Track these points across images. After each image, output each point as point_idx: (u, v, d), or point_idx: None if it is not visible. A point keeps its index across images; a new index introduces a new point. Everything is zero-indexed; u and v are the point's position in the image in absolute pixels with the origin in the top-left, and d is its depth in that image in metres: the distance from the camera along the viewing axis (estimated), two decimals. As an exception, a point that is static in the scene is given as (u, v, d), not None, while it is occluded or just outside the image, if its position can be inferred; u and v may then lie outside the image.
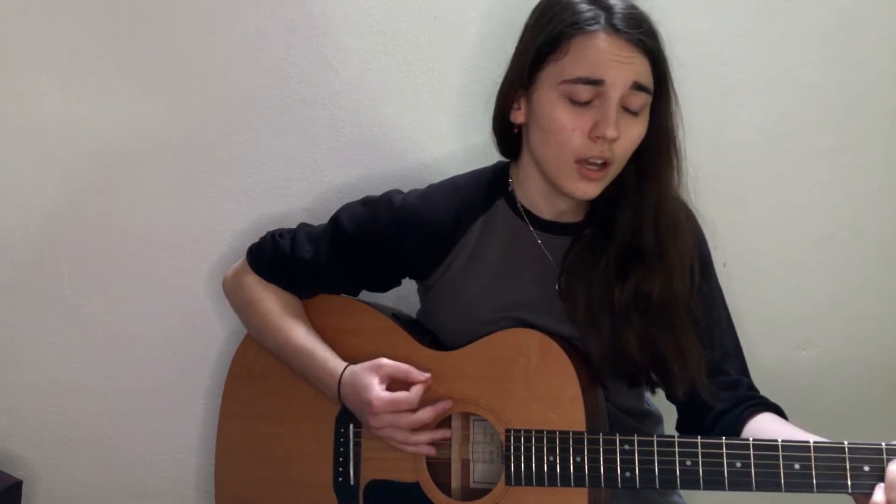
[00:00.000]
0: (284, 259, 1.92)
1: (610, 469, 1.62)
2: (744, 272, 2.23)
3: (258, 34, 2.18)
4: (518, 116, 1.75)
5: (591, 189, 1.68)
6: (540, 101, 1.67)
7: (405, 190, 1.90)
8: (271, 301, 1.93)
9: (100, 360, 2.26)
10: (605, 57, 1.60)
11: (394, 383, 1.77)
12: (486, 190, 1.86)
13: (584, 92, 1.62)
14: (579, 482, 1.64)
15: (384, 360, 1.78)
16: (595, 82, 1.61)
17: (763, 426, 1.71)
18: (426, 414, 1.74)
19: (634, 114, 1.65)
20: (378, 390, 1.74)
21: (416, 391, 1.74)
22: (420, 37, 2.19)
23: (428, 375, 1.76)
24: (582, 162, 1.65)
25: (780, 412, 1.78)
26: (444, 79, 2.20)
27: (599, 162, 1.65)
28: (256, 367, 1.97)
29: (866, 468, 1.51)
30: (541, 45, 1.65)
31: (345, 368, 1.82)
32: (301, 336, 1.89)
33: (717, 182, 2.18)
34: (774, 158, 2.21)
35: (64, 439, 2.28)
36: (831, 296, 2.24)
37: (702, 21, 2.15)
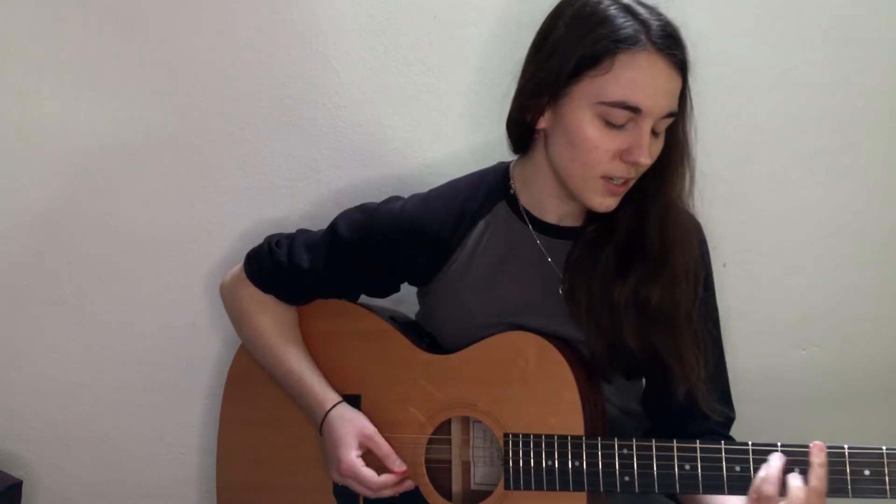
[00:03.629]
0: (281, 269, 1.90)
1: (609, 473, 1.62)
2: (744, 272, 2.22)
3: (258, 34, 2.17)
4: (542, 122, 1.71)
5: (613, 203, 1.68)
6: (571, 116, 1.64)
7: (404, 193, 1.90)
8: (265, 318, 1.93)
9: (100, 360, 2.27)
10: (647, 82, 1.58)
11: (369, 454, 1.79)
12: (487, 192, 1.85)
13: (620, 116, 1.59)
14: (578, 486, 1.65)
15: (372, 432, 1.80)
16: (634, 109, 1.58)
17: None
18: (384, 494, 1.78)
19: (657, 134, 1.65)
20: (352, 455, 1.77)
21: (384, 480, 1.76)
22: (420, 37, 2.18)
23: (404, 469, 1.78)
24: (608, 178, 1.65)
25: None
26: (444, 79, 2.20)
27: (622, 180, 1.65)
28: (255, 372, 1.96)
29: (867, 472, 1.50)
30: (581, 59, 1.61)
31: (336, 404, 1.83)
32: (293, 359, 1.89)
33: (718, 182, 2.16)
34: (774, 158, 2.20)
35: (64, 439, 2.29)
36: (831, 296, 2.24)
37: (702, 21, 2.14)
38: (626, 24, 1.59)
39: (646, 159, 1.60)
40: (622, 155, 1.62)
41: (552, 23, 1.69)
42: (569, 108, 1.64)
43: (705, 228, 1.86)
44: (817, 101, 2.18)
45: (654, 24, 1.60)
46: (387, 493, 1.78)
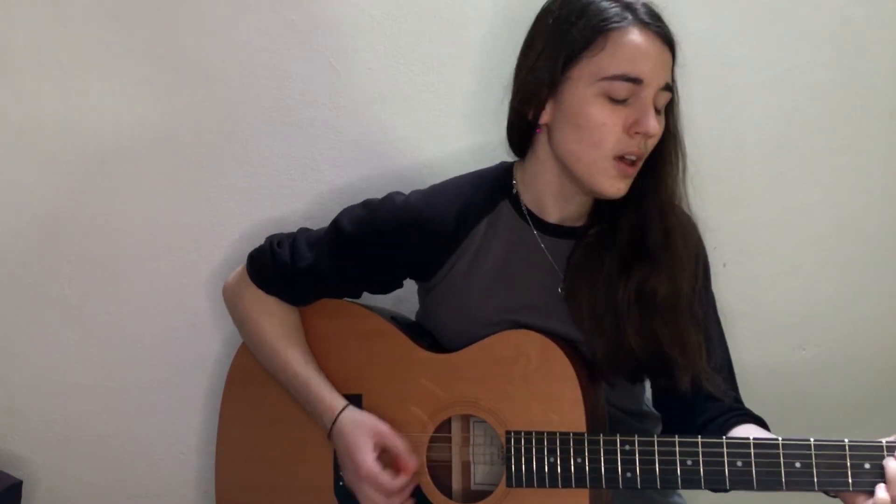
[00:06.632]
0: (284, 269, 1.89)
1: (611, 470, 1.62)
2: (744, 272, 2.23)
3: (258, 34, 2.17)
4: (544, 116, 1.73)
5: (624, 187, 1.69)
6: (573, 99, 1.67)
7: (406, 190, 1.89)
8: (269, 321, 1.92)
9: (100, 360, 2.26)
10: (642, 53, 1.62)
11: (384, 453, 1.78)
12: (490, 191, 1.85)
13: (622, 90, 1.62)
14: (580, 483, 1.64)
15: (386, 430, 1.78)
16: (634, 80, 1.62)
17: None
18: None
19: (658, 111, 1.67)
20: (370, 459, 1.75)
21: (400, 482, 1.75)
22: (420, 37, 2.18)
23: (416, 465, 1.76)
24: (620, 158, 1.66)
25: (763, 424, 1.78)
26: (444, 79, 2.20)
27: (634, 158, 1.67)
28: (255, 371, 1.96)
29: (867, 465, 1.51)
30: (573, 43, 1.65)
31: (344, 408, 1.82)
32: (297, 362, 1.88)
33: (717, 182, 2.18)
34: (774, 158, 2.21)
35: (64, 439, 2.28)
36: (831, 296, 2.24)
37: (702, 21, 2.15)
38: (611, 6, 1.65)
39: (655, 128, 1.63)
40: (630, 128, 1.64)
41: (540, 20, 1.74)
42: (570, 92, 1.67)
43: (705, 229, 1.86)
44: (817, 101, 2.19)
45: (638, 5, 1.66)
46: (396, 500, 1.76)
